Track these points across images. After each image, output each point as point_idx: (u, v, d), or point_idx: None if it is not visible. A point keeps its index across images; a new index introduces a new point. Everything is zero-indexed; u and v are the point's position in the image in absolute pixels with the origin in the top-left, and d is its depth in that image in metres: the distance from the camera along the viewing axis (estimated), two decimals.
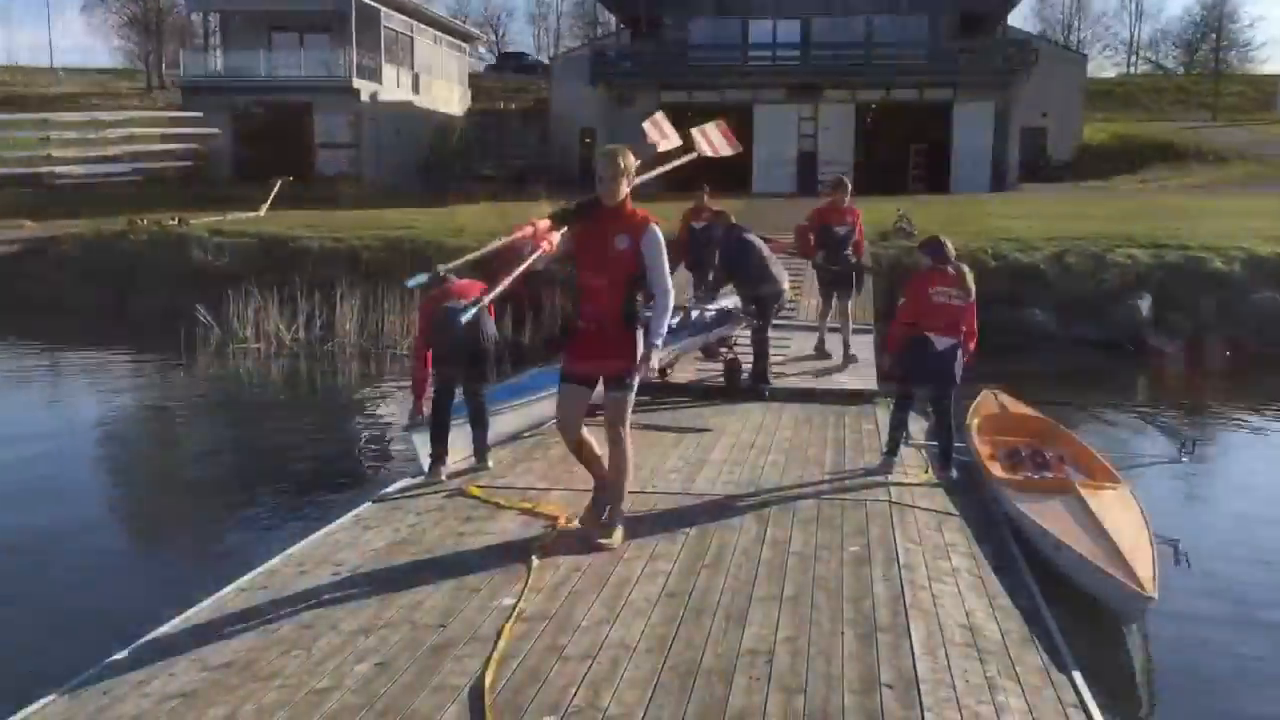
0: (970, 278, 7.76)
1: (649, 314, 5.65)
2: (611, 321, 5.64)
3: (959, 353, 7.69)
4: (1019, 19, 54.80)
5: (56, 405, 14.45)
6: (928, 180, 35.79)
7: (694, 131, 8.90)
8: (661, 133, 8.54)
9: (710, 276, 11.51)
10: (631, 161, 5.61)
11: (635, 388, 5.71)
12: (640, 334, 5.61)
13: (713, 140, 8.90)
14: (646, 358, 5.63)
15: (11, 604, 6.91)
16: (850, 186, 11.20)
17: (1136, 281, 17.48)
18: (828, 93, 34.76)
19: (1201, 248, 18.16)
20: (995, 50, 35.69)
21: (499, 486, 7.20)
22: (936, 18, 34.70)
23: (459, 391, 7.62)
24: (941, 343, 7.63)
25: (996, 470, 7.85)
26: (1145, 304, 17.16)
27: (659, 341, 5.67)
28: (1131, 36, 79.86)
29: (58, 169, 34.13)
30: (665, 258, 5.62)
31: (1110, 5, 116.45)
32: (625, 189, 5.61)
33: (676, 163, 8.00)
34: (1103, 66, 74.38)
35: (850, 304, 11.76)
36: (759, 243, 10.46)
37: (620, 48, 39.65)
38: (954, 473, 7.90)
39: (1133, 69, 76.48)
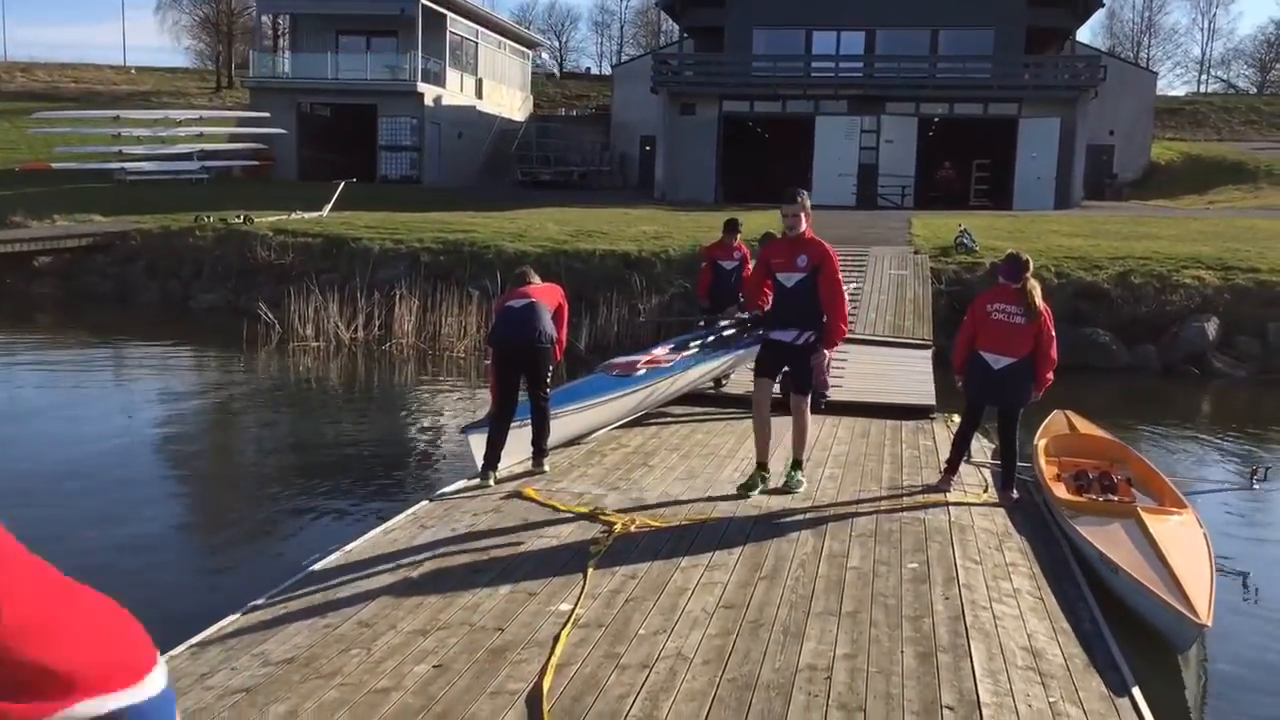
0: (1037, 297, 7.53)
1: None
2: None
3: (1022, 373, 7.50)
4: (1087, 35, 54.13)
5: (120, 398, 14.72)
6: (990, 196, 35.41)
7: None
8: None
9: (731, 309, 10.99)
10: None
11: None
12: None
13: None
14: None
15: None
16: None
17: (1203, 304, 17.14)
18: (890, 105, 34.49)
19: (1271, 270, 17.78)
20: (1063, 66, 35.24)
21: (556, 490, 7.22)
22: (1003, 32, 34.28)
23: (523, 395, 7.66)
24: (998, 362, 7.46)
25: (1058, 491, 7.72)
26: (1212, 327, 16.82)
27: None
28: (1203, 55, 78.52)
29: (128, 165, 34.83)
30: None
31: (1181, 23, 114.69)
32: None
33: None
34: (1172, 85, 73.28)
35: None
36: None
37: (683, 56, 39.69)
38: (1015, 494, 7.78)
39: (1203, 88, 75.18)
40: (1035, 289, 7.55)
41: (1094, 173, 37.00)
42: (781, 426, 7.80)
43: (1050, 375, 7.61)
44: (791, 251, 7.24)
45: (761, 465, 7.34)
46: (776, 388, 7.76)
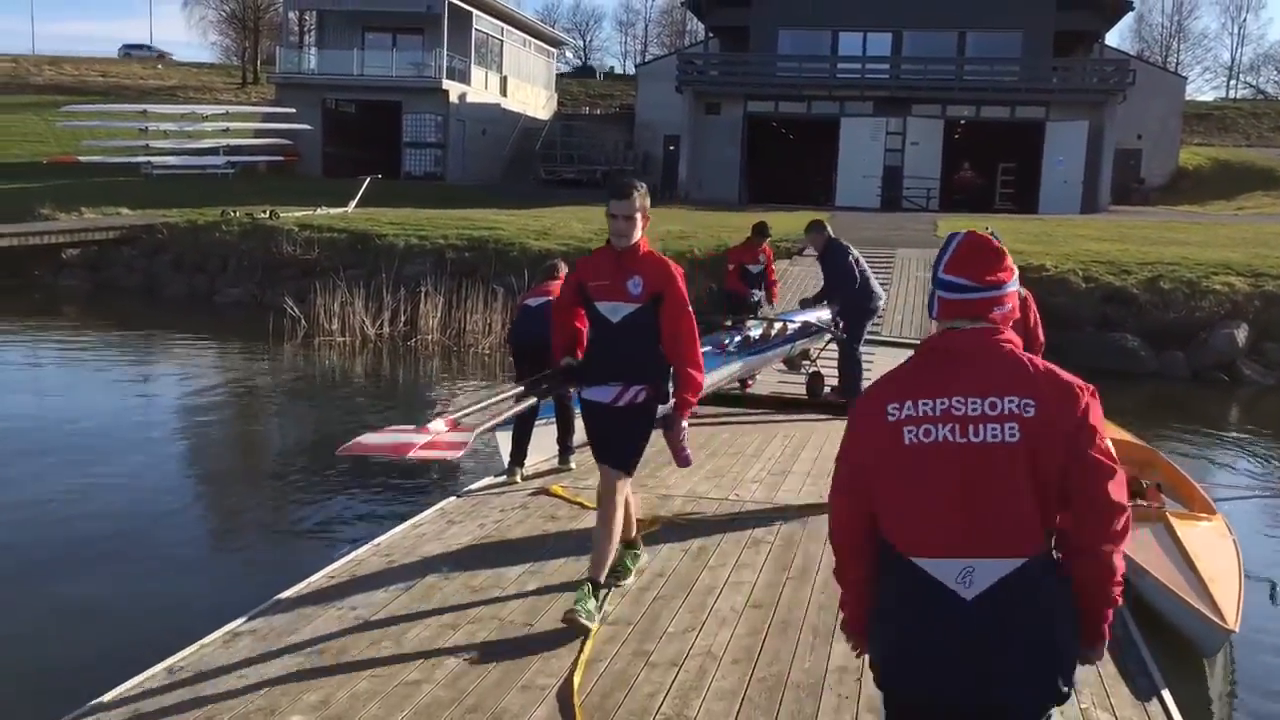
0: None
1: None
2: None
3: None
4: (1116, 39, 53.76)
5: (146, 391, 14.81)
6: (1015, 200, 35.24)
7: None
8: None
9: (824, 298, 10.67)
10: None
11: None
12: None
13: None
14: None
15: (106, 586, 7.09)
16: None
17: (1233, 310, 17.00)
18: (916, 107, 34.36)
19: None
20: (1091, 69, 35.06)
21: (583, 487, 7.21)
22: (1031, 34, 34.11)
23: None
24: None
25: None
26: (1241, 333, 16.69)
27: None
28: (1232, 60, 77.98)
29: (154, 159, 35.06)
30: None
31: (1211, 27, 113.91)
32: None
33: None
34: (1201, 89, 72.79)
35: None
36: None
37: (708, 56, 39.67)
38: None
39: (1232, 93, 74.64)
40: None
41: (1121, 177, 36.76)
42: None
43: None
44: (619, 271, 4.82)
45: (595, 585, 4.80)
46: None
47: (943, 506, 2.45)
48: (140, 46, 70.69)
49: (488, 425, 4.81)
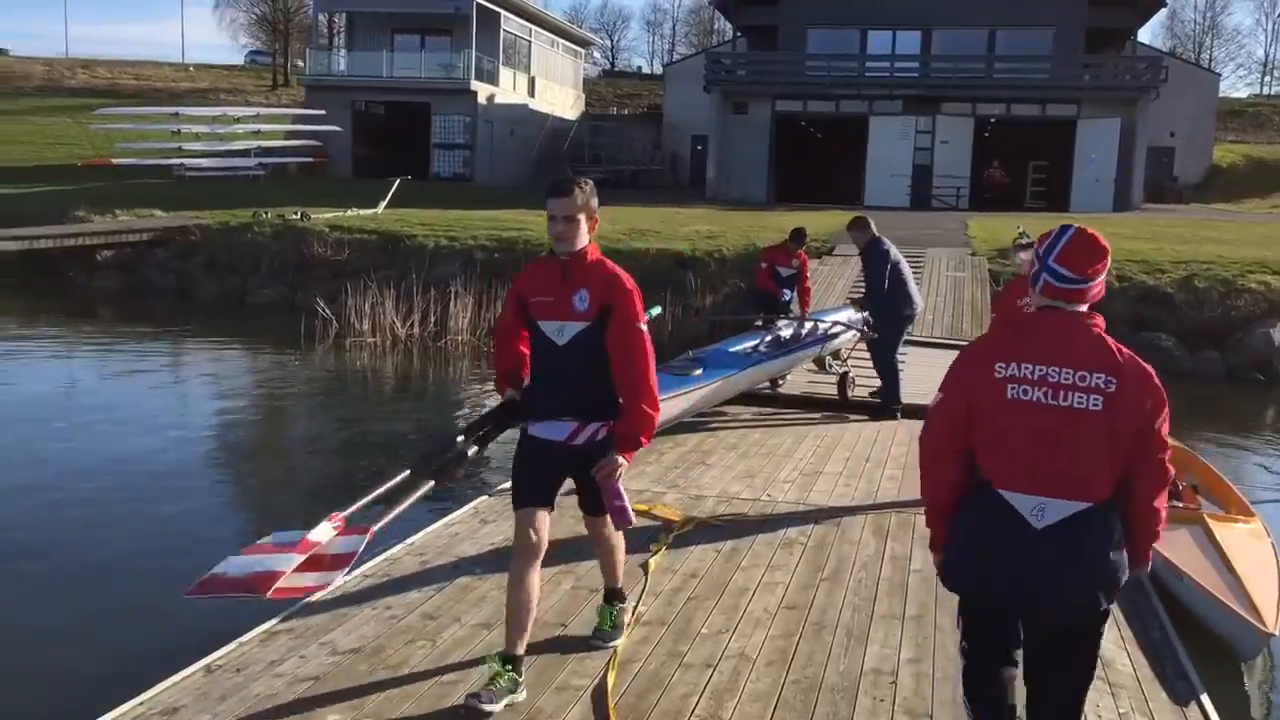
0: None
1: None
2: None
3: None
4: (1148, 35, 53.26)
5: (180, 391, 14.95)
6: (1047, 198, 34.98)
7: None
8: None
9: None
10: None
11: None
12: None
13: None
14: None
15: (143, 584, 7.14)
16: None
17: (1269, 309, 16.80)
18: (946, 106, 34.16)
19: None
20: (1123, 66, 34.74)
21: None
22: (1062, 32, 33.83)
23: None
24: None
25: None
26: (1278, 332, 16.49)
27: None
28: (1266, 56, 77.18)
29: (187, 162, 35.36)
30: None
31: (1245, 23, 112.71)
32: None
33: None
34: (1235, 86, 71.96)
35: None
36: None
37: (736, 55, 39.59)
38: None
39: (1267, 89, 73.77)
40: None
41: (1154, 175, 36.41)
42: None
43: None
44: (563, 283, 4.13)
45: (509, 659, 4.07)
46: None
47: (1030, 453, 3.08)
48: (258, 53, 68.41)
49: (388, 519, 4.01)
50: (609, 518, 4.25)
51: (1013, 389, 3.09)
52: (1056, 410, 3.05)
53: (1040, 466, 3.06)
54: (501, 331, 4.44)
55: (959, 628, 3.38)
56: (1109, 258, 3.19)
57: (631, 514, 4.24)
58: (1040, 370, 3.07)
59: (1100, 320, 3.17)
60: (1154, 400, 3.08)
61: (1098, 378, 3.05)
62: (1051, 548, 3.05)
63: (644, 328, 4.13)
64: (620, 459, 4.09)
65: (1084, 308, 3.15)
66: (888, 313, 9.78)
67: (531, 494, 4.19)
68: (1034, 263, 3.21)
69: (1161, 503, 3.18)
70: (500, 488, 7.33)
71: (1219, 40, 75.91)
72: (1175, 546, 6.58)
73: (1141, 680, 4.82)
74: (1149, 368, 3.12)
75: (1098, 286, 3.15)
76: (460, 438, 4.21)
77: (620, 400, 4.11)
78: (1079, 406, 3.04)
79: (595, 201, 4.14)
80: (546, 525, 4.18)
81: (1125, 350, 3.11)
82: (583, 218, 4.08)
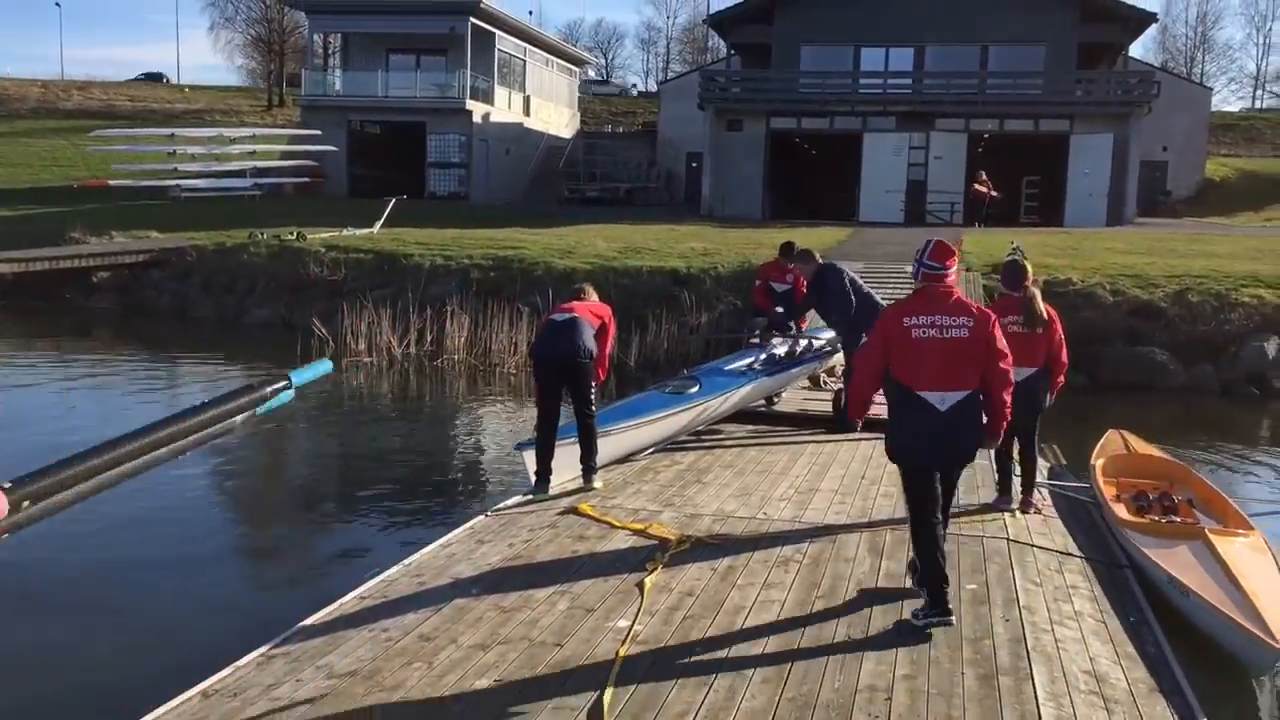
0: (1038, 304, 7.29)
1: None
2: None
3: (1035, 383, 7.25)
4: (1140, 50, 53.39)
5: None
6: (1040, 213, 35.06)
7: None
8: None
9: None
10: None
11: None
12: None
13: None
14: None
15: (139, 609, 7.14)
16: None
17: (1263, 323, 16.85)
18: (940, 122, 34.27)
19: None
20: (1115, 82, 34.86)
21: (610, 506, 7.23)
22: (1054, 48, 33.97)
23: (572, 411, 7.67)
24: (1020, 373, 7.26)
25: (1121, 512, 7.60)
26: (1272, 346, 16.53)
27: None
28: (1258, 70, 77.53)
29: (183, 183, 35.40)
30: None
31: (1236, 38, 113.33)
32: None
33: None
34: (1227, 100, 72.32)
35: None
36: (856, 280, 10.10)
37: (730, 73, 39.74)
38: (1035, 502, 7.66)
39: (1258, 103, 74.07)
40: (1036, 296, 7.37)
41: (1147, 189, 36.51)
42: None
43: (1062, 379, 7.58)
44: None
45: None
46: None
47: (932, 367, 5.25)
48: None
49: None
50: None
51: (917, 331, 5.26)
52: (945, 341, 5.25)
53: (940, 373, 5.23)
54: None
55: (905, 494, 5.42)
56: (957, 255, 5.36)
57: None
58: (931, 319, 5.28)
59: (958, 290, 5.47)
60: (990, 328, 5.34)
61: (963, 319, 5.29)
62: (952, 420, 5.23)
63: None
64: None
65: (950, 282, 5.38)
66: (857, 332, 9.73)
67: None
68: (915, 264, 5.39)
69: (1007, 396, 5.44)
70: (496, 507, 7.36)
71: (1211, 55, 76.45)
72: (1178, 562, 6.54)
73: (1136, 696, 4.83)
74: (989, 311, 5.60)
75: (953, 274, 5.41)
76: None
77: None
78: (956, 336, 5.26)
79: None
80: None
81: (974, 303, 5.57)
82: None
